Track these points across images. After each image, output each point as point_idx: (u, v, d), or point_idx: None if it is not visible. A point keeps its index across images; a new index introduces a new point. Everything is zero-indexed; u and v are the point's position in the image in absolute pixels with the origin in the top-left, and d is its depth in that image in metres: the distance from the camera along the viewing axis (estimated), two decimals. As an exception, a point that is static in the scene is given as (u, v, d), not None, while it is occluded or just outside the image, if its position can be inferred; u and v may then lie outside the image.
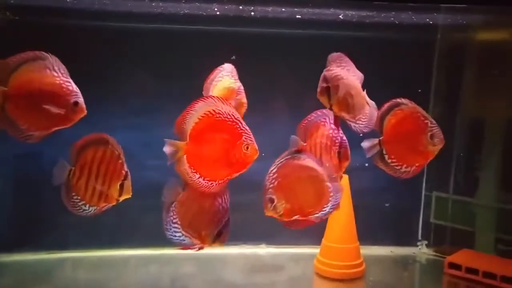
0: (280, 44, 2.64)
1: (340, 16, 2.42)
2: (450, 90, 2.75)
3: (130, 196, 1.58)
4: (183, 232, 1.59)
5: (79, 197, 1.58)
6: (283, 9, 2.35)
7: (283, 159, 1.57)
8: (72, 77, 2.39)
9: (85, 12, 2.37)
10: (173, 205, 1.60)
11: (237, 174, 1.55)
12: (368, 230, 2.54)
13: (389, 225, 2.74)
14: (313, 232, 2.42)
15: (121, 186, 1.55)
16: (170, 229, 1.59)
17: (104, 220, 2.56)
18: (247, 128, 1.54)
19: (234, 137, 1.52)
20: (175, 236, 1.59)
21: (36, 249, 2.58)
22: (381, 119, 1.80)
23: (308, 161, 1.59)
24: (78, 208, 1.59)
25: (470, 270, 2.40)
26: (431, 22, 2.59)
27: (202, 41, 2.55)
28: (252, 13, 2.38)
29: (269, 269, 2.49)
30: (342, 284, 2.37)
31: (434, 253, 2.81)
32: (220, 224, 1.55)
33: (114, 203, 1.59)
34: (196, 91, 1.77)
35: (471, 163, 2.71)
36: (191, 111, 1.53)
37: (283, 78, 2.61)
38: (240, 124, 1.52)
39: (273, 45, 2.61)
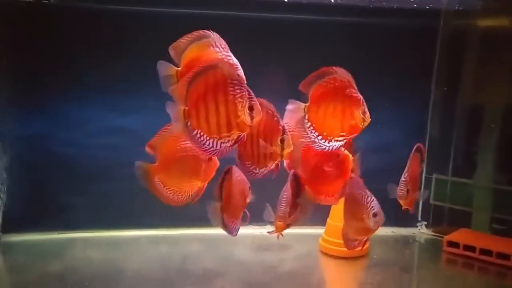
0: (285, 29, 2.68)
1: (339, 1, 2.44)
2: (451, 75, 2.81)
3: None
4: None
5: None
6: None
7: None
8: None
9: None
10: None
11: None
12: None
13: (390, 206, 2.80)
14: (318, 214, 2.48)
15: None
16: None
17: (114, 201, 2.63)
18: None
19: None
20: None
21: (47, 229, 2.62)
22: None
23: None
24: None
25: (467, 248, 2.51)
26: (433, 8, 2.63)
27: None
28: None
29: (276, 248, 2.55)
30: (346, 262, 2.46)
31: (432, 233, 2.91)
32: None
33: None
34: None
35: (470, 147, 2.79)
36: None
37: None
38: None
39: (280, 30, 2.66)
